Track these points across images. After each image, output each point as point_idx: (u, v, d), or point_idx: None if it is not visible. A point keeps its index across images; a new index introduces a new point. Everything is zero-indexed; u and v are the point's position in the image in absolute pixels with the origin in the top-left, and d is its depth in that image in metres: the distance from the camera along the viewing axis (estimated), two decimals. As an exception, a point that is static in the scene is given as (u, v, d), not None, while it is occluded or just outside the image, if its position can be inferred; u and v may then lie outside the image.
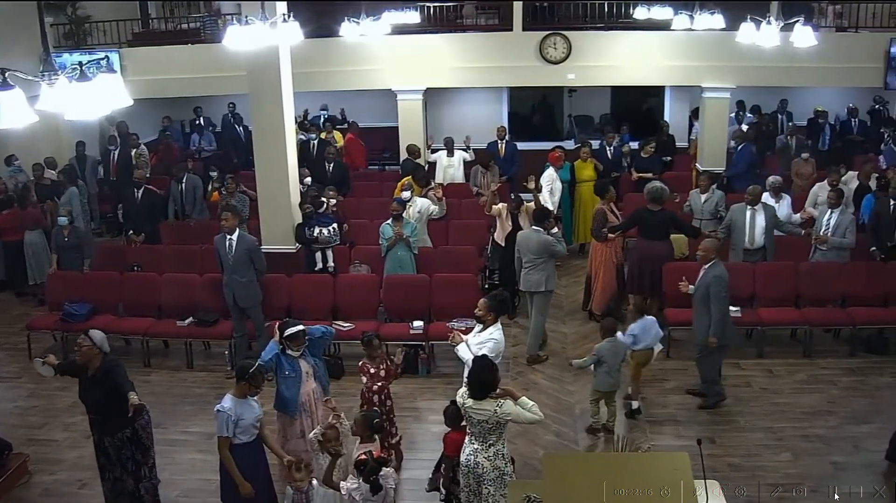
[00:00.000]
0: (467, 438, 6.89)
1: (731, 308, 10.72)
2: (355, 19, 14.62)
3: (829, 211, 11.26)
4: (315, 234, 11.56)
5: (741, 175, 14.59)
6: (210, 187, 14.44)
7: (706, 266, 9.37)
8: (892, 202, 11.40)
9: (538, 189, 12.36)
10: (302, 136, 15.82)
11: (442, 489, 7.53)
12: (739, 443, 8.96)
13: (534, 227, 10.73)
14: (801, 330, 11.12)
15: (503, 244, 11.92)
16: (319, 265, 11.67)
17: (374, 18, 15.02)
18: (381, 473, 6.53)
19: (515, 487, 6.78)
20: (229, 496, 7.13)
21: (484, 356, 7.09)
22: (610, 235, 11.70)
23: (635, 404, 9.53)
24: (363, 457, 6.56)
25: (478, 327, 8.11)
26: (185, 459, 8.75)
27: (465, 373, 7.30)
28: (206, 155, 17.81)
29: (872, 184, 13.03)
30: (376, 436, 7.17)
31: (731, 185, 14.71)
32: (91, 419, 7.53)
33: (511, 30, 16.04)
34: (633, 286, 11.55)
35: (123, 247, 13.21)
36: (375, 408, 7.82)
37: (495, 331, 7.91)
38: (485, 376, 6.72)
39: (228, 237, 10.40)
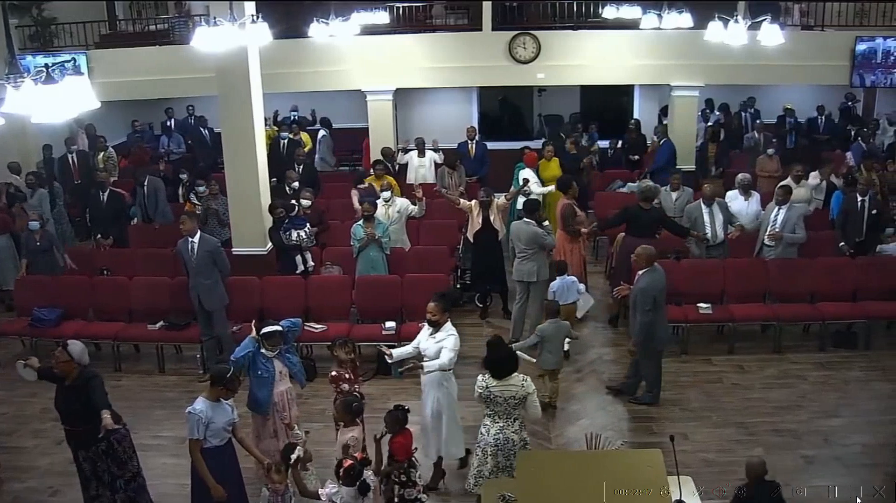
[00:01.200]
0: (489, 420, 7.22)
1: (702, 305, 10.92)
2: (324, 20, 14.56)
3: (777, 208, 11.33)
4: (295, 239, 11.49)
5: (661, 169, 14.79)
6: (182, 190, 14.32)
7: (640, 273, 9.45)
8: (859, 199, 11.50)
9: (524, 195, 12.51)
10: (284, 135, 15.89)
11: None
12: (712, 438, 9.02)
13: (525, 218, 11.03)
14: (772, 326, 11.20)
15: (473, 241, 11.94)
16: (301, 268, 11.58)
17: (344, 19, 14.96)
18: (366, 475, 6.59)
19: (490, 486, 6.79)
20: (200, 499, 7.08)
21: (495, 341, 7.46)
22: (583, 230, 11.85)
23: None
24: (350, 462, 6.60)
25: (427, 330, 8.03)
26: (157, 464, 8.65)
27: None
28: (175, 157, 17.66)
29: (837, 181, 13.17)
30: (359, 420, 7.26)
31: (652, 181, 14.88)
32: (67, 430, 7.45)
33: (480, 30, 16.05)
34: (618, 281, 11.60)
35: (92, 250, 13.07)
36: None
37: (452, 329, 7.90)
38: (501, 355, 7.23)
39: (190, 240, 10.35)
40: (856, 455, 8.62)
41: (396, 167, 15.23)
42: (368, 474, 6.64)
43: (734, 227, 11.45)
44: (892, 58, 15.37)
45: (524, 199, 12.17)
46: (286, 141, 15.87)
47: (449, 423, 7.98)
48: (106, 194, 12.97)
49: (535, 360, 9.58)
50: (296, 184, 13.14)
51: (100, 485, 7.37)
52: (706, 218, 11.46)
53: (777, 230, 11.24)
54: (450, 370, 7.86)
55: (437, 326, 7.92)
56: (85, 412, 7.11)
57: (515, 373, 7.18)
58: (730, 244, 11.68)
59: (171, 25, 17.22)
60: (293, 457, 6.89)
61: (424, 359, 7.92)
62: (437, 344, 7.83)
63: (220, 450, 7.03)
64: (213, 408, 6.94)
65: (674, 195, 12.55)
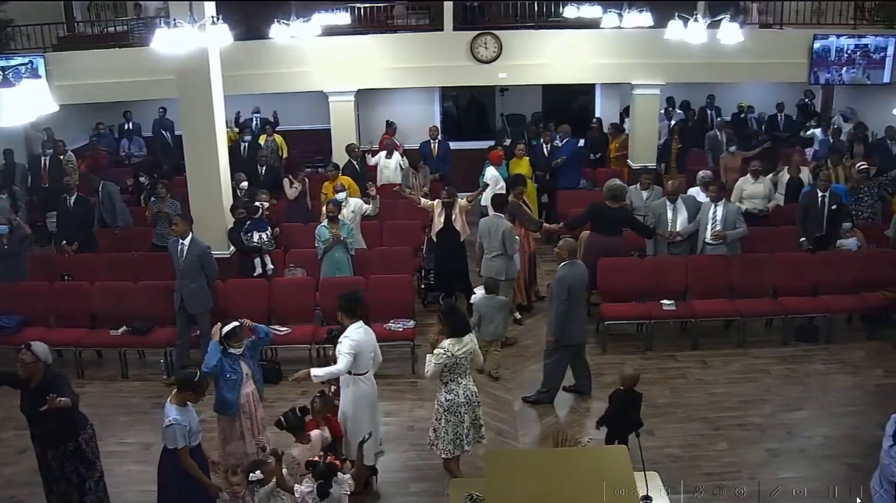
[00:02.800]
0: (453, 384, 7.69)
1: (665, 302, 11.00)
2: (285, 21, 14.50)
3: (713, 205, 11.43)
4: (256, 242, 11.42)
5: (564, 167, 15.07)
6: (143, 194, 14.17)
7: (560, 265, 9.51)
8: (819, 194, 11.63)
9: (483, 188, 12.57)
10: (247, 139, 15.78)
11: None
12: (677, 433, 9.09)
13: (495, 213, 11.24)
14: (734, 321, 11.31)
15: (436, 241, 11.95)
16: (259, 270, 11.53)
17: (305, 20, 14.91)
18: (337, 479, 6.61)
19: (457, 486, 6.79)
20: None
21: (451, 304, 8.49)
22: (550, 226, 12.12)
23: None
24: (316, 458, 6.75)
25: None
26: (122, 471, 8.55)
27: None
28: (137, 160, 17.49)
29: (804, 176, 13.32)
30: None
31: (556, 180, 15.28)
32: (32, 433, 7.34)
33: (442, 30, 16.02)
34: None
35: (53, 256, 12.88)
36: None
37: (350, 331, 7.75)
38: (460, 314, 7.99)
39: (181, 242, 10.30)
40: (818, 447, 8.75)
41: (358, 167, 15.19)
42: (343, 477, 6.73)
43: (714, 233, 11.41)
44: (846, 56, 15.60)
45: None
46: (246, 144, 15.76)
47: (350, 426, 7.87)
48: (73, 199, 12.77)
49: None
50: (244, 183, 13.05)
51: (67, 485, 7.29)
52: (669, 215, 11.54)
53: (719, 228, 11.33)
54: (354, 374, 7.77)
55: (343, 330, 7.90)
56: (52, 414, 6.99)
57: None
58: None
59: (131, 27, 17.03)
60: (252, 477, 6.77)
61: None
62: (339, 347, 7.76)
63: (197, 450, 7.06)
64: (184, 414, 6.89)
65: (644, 194, 12.60)
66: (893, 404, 9.37)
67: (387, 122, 17.06)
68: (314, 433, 7.40)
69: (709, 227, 11.42)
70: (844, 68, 15.67)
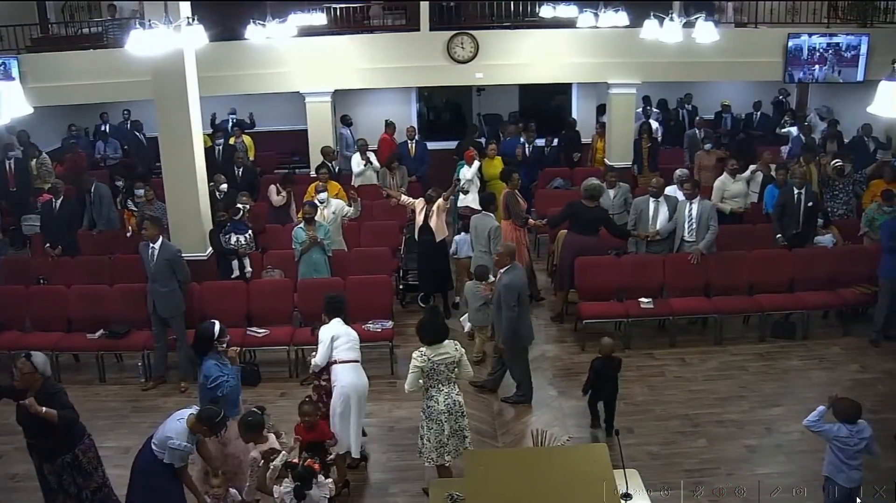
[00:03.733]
0: (434, 391, 7.56)
1: (643, 300, 11.05)
2: (261, 22, 14.43)
3: (689, 203, 11.49)
4: (233, 244, 11.37)
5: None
6: (119, 197, 14.06)
7: (502, 271, 9.52)
8: (796, 191, 11.70)
9: (464, 192, 12.59)
10: (220, 141, 15.74)
11: None
12: (656, 431, 9.13)
13: (484, 212, 11.57)
14: (712, 318, 11.38)
15: (418, 241, 11.95)
16: (236, 273, 11.47)
17: (280, 20, 14.84)
18: (317, 482, 6.64)
19: (437, 486, 6.79)
20: None
21: (433, 307, 8.65)
22: (535, 222, 12.21)
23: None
24: (295, 461, 6.80)
25: None
26: (99, 475, 8.50)
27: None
28: (112, 163, 17.36)
29: (776, 174, 13.42)
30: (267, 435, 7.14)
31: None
32: (29, 444, 7.27)
33: (418, 30, 16.01)
34: (562, 279, 11.71)
35: (28, 260, 12.78)
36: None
37: (324, 331, 8.16)
38: (437, 321, 7.81)
39: (151, 245, 10.22)
40: (796, 442, 8.79)
41: (338, 169, 15.16)
42: (325, 481, 6.77)
43: (690, 254, 11.45)
44: (817, 54, 15.73)
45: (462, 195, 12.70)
46: (220, 147, 15.68)
47: (354, 418, 8.11)
48: (59, 202, 12.64)
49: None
50: (224, 186, 12.99)
51: (66, 497, 7.22)
52: (651, 212, 11.58)
53: (694, 226, 11.39)
54: (342, 362, 8.07)
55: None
56: (49, 425, 6.92)
57: (447, 340, 7.65)
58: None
59: (105, 28, 16.90)
60: (277, 461, 6.82)
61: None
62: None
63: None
64: (192, 441, 6.87)
65: (611, 192, 12.66)
66: (869, 399, 9.49)
67: (386, 121, 16.99)
68: (271, 436, 7.32)
69: (686, 224, 11.46)
70: (817, 66, 15.80)
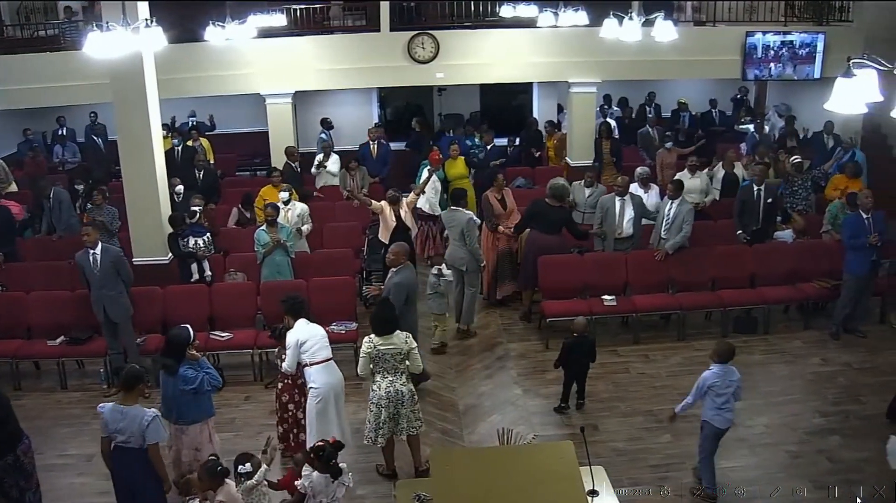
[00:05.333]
0: (379, 377, 7.95)
1: (606, 297, 11.11)
2: (220, 23, 14.31)
3: (670, 202, 11.57)
4: (191, 247, 11.27)
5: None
6: (79, 202, 13.90)
7: (393, 270, 9.55)
8: (755, 188, 11.81)
9: (421, 191, 12.57)
10: (177, 141, 15.61)
11: None
12: (622, 427, 9.17)
13: (452, 206, 11.50)
14: (675, 314, 11.45)
15: (387, 242, 11.86)
16: (196, 276, 11.39)
17: (240, 22, 14.73)
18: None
19: (404, 487, 6.77)
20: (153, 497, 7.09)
21: (385, 299, 8.62)
22: (502, 229, 12.09)
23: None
24: (321, 443, 6.92)
25: None
26: (64, 484, 8.36)
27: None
28: (71, 167, 17.12)
29: (738, 171, 13.54)
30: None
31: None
32: None
33: (378, 30, 15.98)
34: (526, 278, 11.73)
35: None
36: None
37: (290, 336, 8.15)
38: (387, 314, 8.15)
39: (91, 252, 10.09)
40: (759, 436, 8.90)
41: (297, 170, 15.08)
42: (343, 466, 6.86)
43: (656, 251, 11.56)
44: (772, 52, 15.93)
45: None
46: (180, 147, 15.56)
47: (334, 416, 8.18)
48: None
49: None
50: (180, 187, 12.89)
51: (7, 500, 7.12)
52: (617, 210, 11.63)
53: (670, 222, 11.46)
54: (312, 364, 8.11)
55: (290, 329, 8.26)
56: None
57: (398, 332, 8.04)
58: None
59: (62, 30, 16.70)
60: (241, 469, 6.81)
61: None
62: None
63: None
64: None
65: (587, 191, 12.70)
66: (830, 391, 9.64)
67: (376, 123, 16.91)
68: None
69: (663, 222, 11.56)
70: (772, 64, 16.00)
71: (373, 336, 8.00)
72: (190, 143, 16.01)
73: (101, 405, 7.04)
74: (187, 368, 7.57)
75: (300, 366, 8.12)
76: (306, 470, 6.88)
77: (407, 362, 8.04)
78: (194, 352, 7.74)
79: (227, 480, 6.64)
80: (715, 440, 7.80)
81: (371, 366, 7.99)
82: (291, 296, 8.49)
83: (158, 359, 7.83)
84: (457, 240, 11.30)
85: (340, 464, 6.84)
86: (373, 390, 8.04)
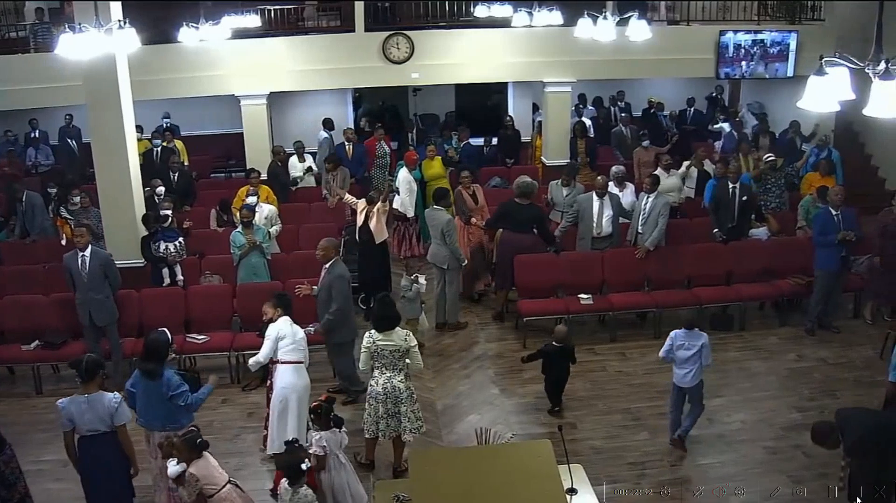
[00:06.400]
0: (377, 372, 8.05)
1: (583, 296, 11.12)
2: (194, 24, 14.22)
3: (646, 196, 11.62)
4: (162, 252, 11.19)
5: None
6: (52, 205, 13.77)
7: (327, 265, 9.50)
8: (730, 186, 11.87)
9: (396, 192, 12.58)
10: (157, 142, 15.54)
11: None
12: (599, 425, 9.20)
13: (434, 206, 11.58)
14: (651, 312, 11.49)
15: (358, 241, 11.87)
16: (167, 281, 11.30)
17: (214, 23, 14.65)
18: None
19: (383, 488, 6.76)
20: (124, 483, 7.27)
21: (385, 295, 8.53)
22: (475, 221, 12.23)
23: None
24: (317, 403, 7.41)
25: None
26: (40, 490, 8.22)
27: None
28: (44, 170, 16.96)
29: (709, 169, 13.60)
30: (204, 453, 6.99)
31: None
32: None
33: (353, 31, 15.95)
34: (502, 278, 11.75)
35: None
36: None
37: (272, 328, 8.27)
38: (388, 312, 8.14)
39: (81, 254, 10.00)
40: (736, 432, 8.96)
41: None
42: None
43: (636, 249, 11.58)
44: (743, 51, 16.05)
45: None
46: (159, 149, 15.47)
47: (292, 418, 8.15)
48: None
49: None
50: (160, 189, 12.83)
51: None
52: (595, 209, 11.64)
53: (646, 216, 11.50)
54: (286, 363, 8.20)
55: (270, 321, 8.41)
56: None
57: (399, 329, 8.08)
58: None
59: (34, 32, 16.56)
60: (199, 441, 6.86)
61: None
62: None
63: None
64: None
65: (564, 191, 12.72)
66: (806, 386, 9.71)
67: (377, 125, 16.86)
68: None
69: (640, 217, 11.60)
70: (744, 63, 16.12)
71: (373, 331, 8.07)
72: (165, 144, 15.90)
73: (60, 401, 7.10)
74: (174, 373, 7.55)
75: (271, 361, 8.20)
76: (315, 434, 7.27)
77: (407, 360, 8.08)
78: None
79: (205, 453, 6.80)
80: (677, 394, 8.57)
81: (371, 361, 8.10)
82: (284, 294, 8.74)
83: (139, 364, 7.70)
84: (438, 238, 11.34)
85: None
86: (371, 385, 8.15)
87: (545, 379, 9.51)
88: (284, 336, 8.18)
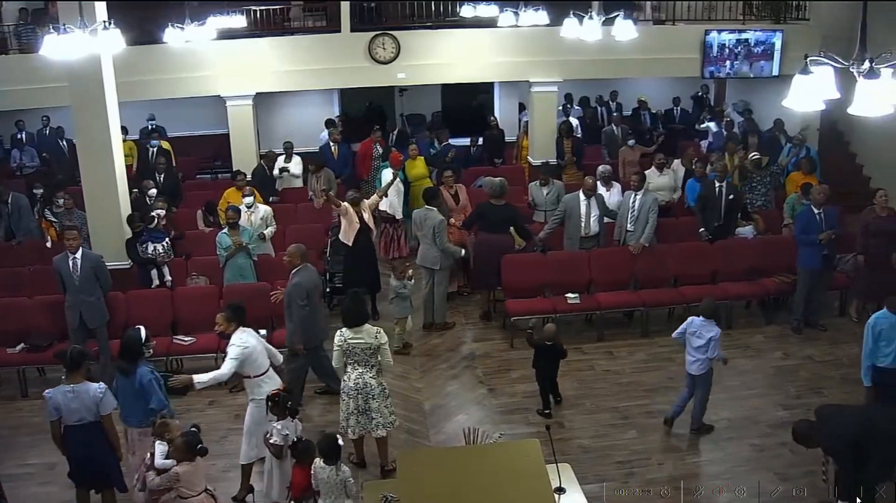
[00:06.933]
0: (349, 368, 8.10)
1: (570, 295, 11.13)
2: (179, 25, 14.15)
3: (633, 194, 11.66)
4: (150, 253, 11.15)
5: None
6: (37, 206, 13.70)
7: (293, 271, 9.47)
8: (717, 185, 11.90)
9: (384, 194, 12.56)
10: (155, 142, 15.49)
11: None
12: (587, 424, 9.21)
13: (426, 206, 11.56)
14: (638, 311, 11.52)
15: (350, 243, 11.78)
16: (156, 282, 11.26)
17: (199, 23, 14.57)
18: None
19: (371, 488, 6.75)
20: (113, 464, 7.43)
21: (355, 291, 8.59)
22: (453, 221, 12.17)
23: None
24: (275, 392, 7.53)
25: None
26: (26, 494, 8.23)
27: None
28: (29, 171, 16.87)
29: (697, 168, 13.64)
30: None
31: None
32: None
33: (339, 31, 15.92)
34: (480, 280, 11.75)
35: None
36: None
37: (234, 337, 7.98)
38: (359, 307, 8.30)
39: (72, 256, 9.95)
40: (723, 429, 8.99)
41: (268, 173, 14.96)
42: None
43: (630, 245, 11.63)
44: (727, 50, 16.11)
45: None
46: (155, 149, 15.38)
47: (252, 432, 8.01)
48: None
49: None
50: (153, 191, 12.79)
51: None
52: (583, 209, 11.65)
53: (635, 216, 11.54)
54: (255, 377, 7.99)
55: (226, 337, 8.19)
56: None
57: (369, 326, 8.17)
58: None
59: (18, 32, 16.47)
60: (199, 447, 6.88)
61: None
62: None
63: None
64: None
65: (544, 190, 12.75)
66: (792, 384, 9.75)
67: (375, 127, 16.89)
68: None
69: (628, 215, 11.64)
70: (727, 62, 16.18)
71: (344, 329, 8.12)
72: (161, 145, 15.84)
73: (47, 391, 7.23)
74: (149, 371, 7.55)
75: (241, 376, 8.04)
76: (277, 424, 7.31)
77: (378, 357, 8.10)
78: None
79: (198, 459, 6.81)
80: (689, 381, 8.81)
81: (344, 358, 8.14)
82: (237, 304, 8.36)
83: (116, 362, 7.84)
84: (429, 239, 11.34)
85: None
86: (343, 380, 8.18)
87: (536, 373, 9.59)
88: (252, 351, 7.92)
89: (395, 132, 17.94)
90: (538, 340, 9.52)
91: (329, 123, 16.72)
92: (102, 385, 7.22)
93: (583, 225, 11.65)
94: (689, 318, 8.68)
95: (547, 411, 9.50)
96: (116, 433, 7.39)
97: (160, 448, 6.90)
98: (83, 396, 7.08)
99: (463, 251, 11.72)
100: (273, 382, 8.00)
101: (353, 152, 16.05)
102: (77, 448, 7.25)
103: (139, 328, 7.82)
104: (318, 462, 6.92)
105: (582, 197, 11.65)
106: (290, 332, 9.39)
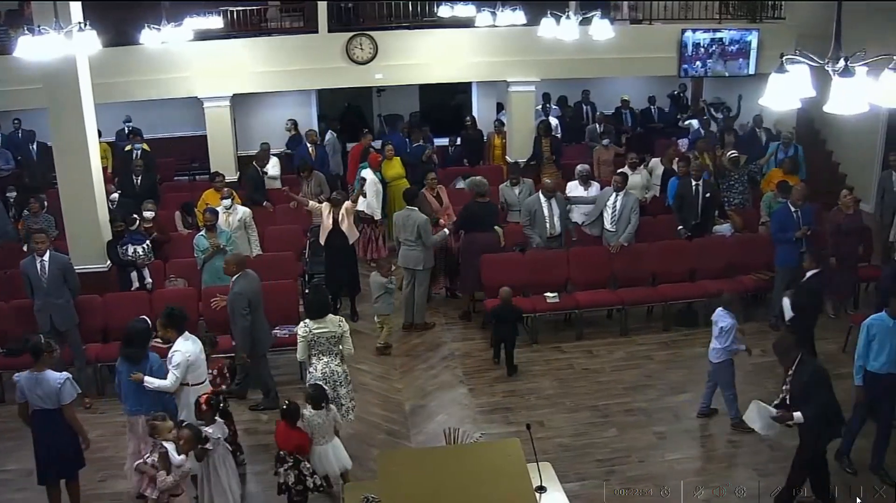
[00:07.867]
0: (314, 359, 8.27)
1: (549, 294, 11.15)
2: (156, 26, 14.06)
3: (615, 194, 11.72)
4: (131, 255, 11.08)
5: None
6: (12, 210, 13.58)
7: (233, 279, 9.44)
8: (693, 183, 11.95)
9: (363, 195, 12.53)
10: (139, 146, 15.34)
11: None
12: (567, 423, 9.22)
13: (408, 206, 11.56)
14: (617, 310, 11.55)
15: (323, 244, 11.79)
16: (136, 285, 11.18)
17: (176, 24, 14.48)
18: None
19: (352, 489, 6.74)
20: (77, 454, 7.65)
21: (317, 284, 9.06)
22: (443, 222, 12.13)
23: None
24: (206, 396, 7.42)
25: None
26: (3, 500, 8.16)
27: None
28: (4, 174, 16.70)
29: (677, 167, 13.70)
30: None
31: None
32: None
33: (317, 32, 15.89)
34: (468, 281, 11.75)
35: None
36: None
37: (177, 344, 7.88)
38: (321, 298, 8.48)
39: (40, 259, 9.85)
40: (702, 427, 9.05)
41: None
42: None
43: (611, 245, 11.71)
44: (702, 50, 16.22)
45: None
46: (139, 151, 15.26)
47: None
48: None
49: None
50: (114, 195, 12.68)
51: None
52: (545, 211, 11.68)
53: (616, 217, 11.59)
54: (193, 385, 7.92)
55: (169, 342, 8.09)
56: None
57: (331, 315, 8.36)
58: (577, 233, 12.22)
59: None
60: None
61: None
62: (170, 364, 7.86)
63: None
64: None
65: (515, 190, 12.77)
66: (770, 381, 9.77)
67: (364, 130, 16.82)
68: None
69: (608, 215, 11.71)
70: (701, 61, 16.29)
71: (308, 321, 8.29)
72: (128, 147, 15.72)
73: (16, 374, 7.57)
74: (158, 357, 7.86)
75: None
76: (208, 429, 7.18)
77: (341, 345, 8.32)
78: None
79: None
80: (709, 370, 9.15)
81: (309, 350, 8.28)
82: (173, 310, 8.14)
83: (121, 350, 7.89)
84: (411, 240, 11.32)
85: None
86: (310, 372, 8.33)
87: (492, 337, 10.54)
88: (194, 359, 7.87)
89: (374, 132, 17.89)
90: (494, 308, 10.25)
91: (322, 118, 16.69)
92: (63, 375, 7.40)
93: (548, 226, 11.69)
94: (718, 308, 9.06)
95: (496, 360, 10.50)
96: (78, 421, 7.60)
97: (170, 446, 6.93)
98: (44, 384, 7.30)
99: (447, 231, 11.78)
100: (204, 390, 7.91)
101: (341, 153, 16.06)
102: (42, 432, 7.47)
103: (145, 318, 8.14)
104: (308, 412, 7.48)
105: (542, 198, 11.69)
106: (239, 340, 9.33)
